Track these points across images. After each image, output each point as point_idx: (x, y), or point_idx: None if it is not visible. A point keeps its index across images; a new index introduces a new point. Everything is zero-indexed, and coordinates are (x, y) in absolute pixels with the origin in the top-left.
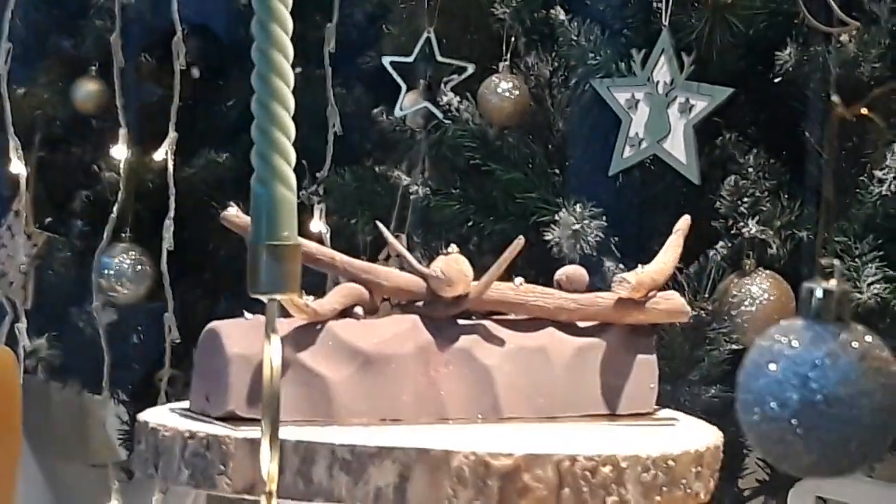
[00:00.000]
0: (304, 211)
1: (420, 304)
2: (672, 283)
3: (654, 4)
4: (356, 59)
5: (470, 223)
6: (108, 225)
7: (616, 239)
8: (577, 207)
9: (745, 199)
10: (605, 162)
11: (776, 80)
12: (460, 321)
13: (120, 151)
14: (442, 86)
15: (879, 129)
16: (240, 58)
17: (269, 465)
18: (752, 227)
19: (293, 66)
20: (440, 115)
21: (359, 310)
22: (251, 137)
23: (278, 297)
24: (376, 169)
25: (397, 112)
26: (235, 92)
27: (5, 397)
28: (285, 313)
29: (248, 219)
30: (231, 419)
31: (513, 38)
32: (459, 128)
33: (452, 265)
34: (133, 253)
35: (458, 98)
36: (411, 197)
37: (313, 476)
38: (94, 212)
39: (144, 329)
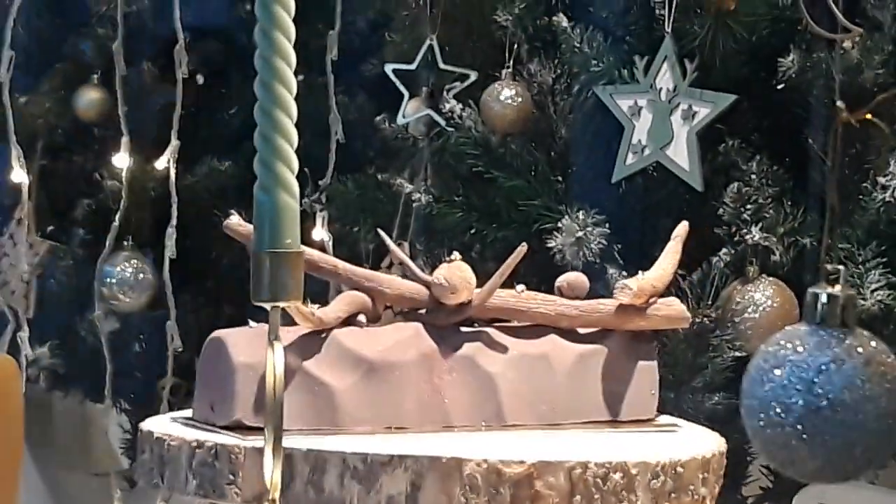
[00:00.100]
0: (307, 219)
1: (422, 311)
2: (675, 290)
3: (657, 11)
4: (359, 67)
5: (472, 231)
6: (110, 233)
7: (619, 246)
8: (580, 215)
9: (749, 206)
10: (608, 169)
11: (779, 87)
12: (463, 329)
13: (122, 159)
14: (444, 93)
15: (883, 136)
16: (242, 65)
17: (272, 472)
18: (755, 234)
19: (295, 74)
20: (443, 123)
21: (362, 318)
22: (254, 145)
23: (281, 304)
24: (379, 176)
25: (400, 119)
26: (238, 99)
27: (7, 406)
28: (289, 322)
29: (250, 227)
30: (237, 428)
31: (515, 46)
32: (462, 135)
33: (456, 272)
34: (135, 261)
35: (460, 105)
36: (414, 205)
37: (324, 485)
38: (96, 220)
39: (147, 337)
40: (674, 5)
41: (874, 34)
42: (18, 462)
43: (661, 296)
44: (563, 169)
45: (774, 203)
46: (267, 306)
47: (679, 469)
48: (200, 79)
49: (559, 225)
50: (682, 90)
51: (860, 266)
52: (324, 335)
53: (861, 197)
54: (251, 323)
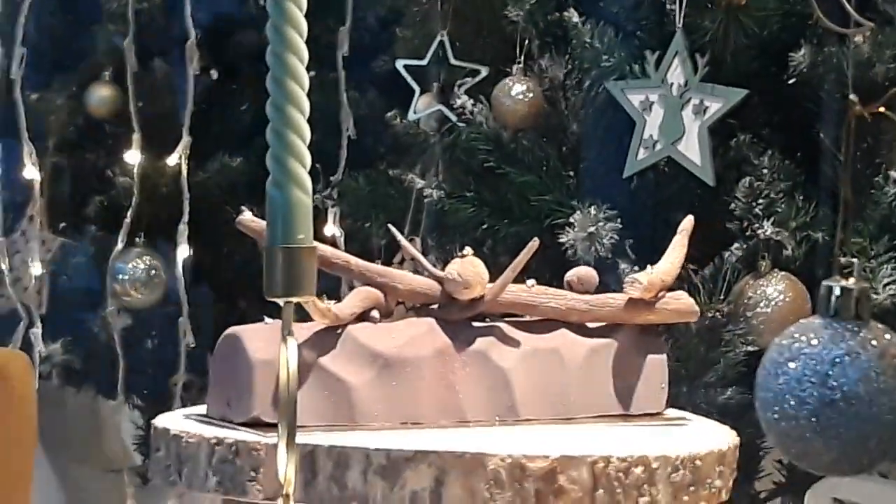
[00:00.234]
0: (318, 215)
1: (435, 306)
2: (687, 284)
3: (668, 6)
4: (370, 63)
5: (484, 226)
6: (122, 230)
7: (631, 241)
8: (592, 209)
9: (760, 201)
10: (620, 164)
11: (790, 82)
12: (475, 324)
13: (134, 156)
14: (455, 89)
15: (895, 130)
16: (254, 61)
17: (286, 467)
18: (767, 229)
19: (307, 70)
20: (454, 118)
21: (375, 313)
22: (265, 141)
23: (294, 299)
24: (390, 172)
25: (411, 115)
26: (249, 96)
27: (21, 402)
28: (304, 317)
29: (263, 223)
30: (255, 425)
31: (526, 41)
32: (473, 130)
33: (468, 268)
34: (147, 257)
35: (471, 101)
36: (425, 200)
37: (347, 481)
38: (108, 217)
39: (159, 334)
40: (685, 0)
41: (885, 28)
42: (32, 458)
43: (671, 290)
44: (574, 164)
45: (786, 197)
46: (280, 301)
47: (698, 462)
48: (214, 74)
49: (571, 220)
50: (693, 85)
51: (872, 260)
52: (339, 331)
53: (873, 191)
54: (266, 319)
